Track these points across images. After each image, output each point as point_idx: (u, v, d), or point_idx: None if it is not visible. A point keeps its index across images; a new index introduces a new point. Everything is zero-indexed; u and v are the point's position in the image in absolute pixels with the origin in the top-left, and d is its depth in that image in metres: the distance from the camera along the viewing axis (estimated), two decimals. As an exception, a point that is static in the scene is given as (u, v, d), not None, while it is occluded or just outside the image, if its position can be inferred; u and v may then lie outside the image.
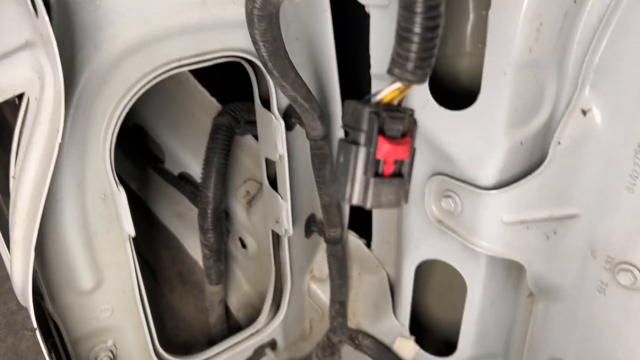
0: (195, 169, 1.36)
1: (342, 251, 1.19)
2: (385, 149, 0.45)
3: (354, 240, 1.27)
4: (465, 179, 0.90)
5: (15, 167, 0.68)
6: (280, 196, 1.07)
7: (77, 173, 0.78)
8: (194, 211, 1.38)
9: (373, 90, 1.03)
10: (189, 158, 1.36)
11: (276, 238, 1.19)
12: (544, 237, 0.91)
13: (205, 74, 1.31)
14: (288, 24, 0.94)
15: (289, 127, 1.02)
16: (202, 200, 1.16)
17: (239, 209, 1.32)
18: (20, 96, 0.70)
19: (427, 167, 0.96)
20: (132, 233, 0.86)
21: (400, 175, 0.47)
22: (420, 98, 0.87)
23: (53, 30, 0.63)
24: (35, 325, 0.69)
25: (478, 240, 0.92)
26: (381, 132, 0.46)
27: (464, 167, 0.90)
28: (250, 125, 1.16)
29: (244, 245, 1.37)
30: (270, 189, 1.10)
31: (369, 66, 0.99)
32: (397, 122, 0.46)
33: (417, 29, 0.43)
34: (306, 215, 1.21)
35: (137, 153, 1.38)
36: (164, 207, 1.40)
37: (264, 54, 0.65)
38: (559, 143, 0.84)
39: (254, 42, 0.64)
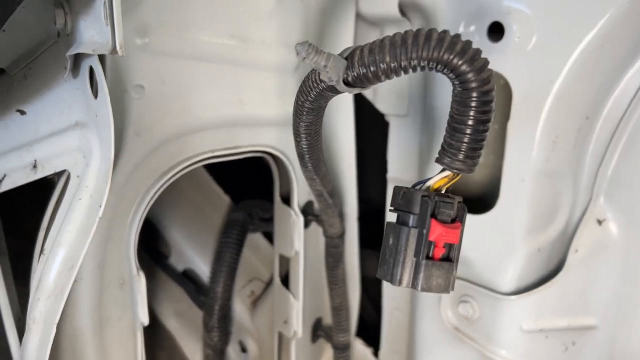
0: (200, 266, 1.34)
1: (349, 359, 1.14)
2: (438, 232, 0.47)
3: (360, 348, 1.23)
4: (484, 283, 0.90)
5: (45, 242, 0.67)
6: (292, 295, 1.06)
7: (99, 254, 0.77)
8: (194, 310, 1.33)
9: (389, 193, 1.07)
10: (195, 255, 1.34)
11: (282, 341, 1.15)
12: (562, 347, 0.89)
13: (218, 173, 1.34)
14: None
15: (304, 225, 1.03)
16: (210, 296, 1.13)
17: (242, 310, 1.28)
18: (60, 173, 0.71)
19: (443, 271, 0.96)
20: (146, 322, 0.83)
21: (449, 259, 0.48)
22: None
23: None
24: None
25: (496, 348, 0.90)
26: (433, 215, 0.47)
27: (481, 271, 0.90)
28: (264, 222, 1.17)
29: (243, 349, 1.31)
30: (282, 287, 1.09)
31: (379, 170, 1.05)
32: (448, 207, 0.48)
33: (470, 121, 0.47)
34: (313, 319, 1.17)
35: (144, 248, 1.36)
36: (163, 304, 1.36)
37: (304, 146, 0.68)
38: (577, 251, 0.85)
39: (296, 135, 0.66)
